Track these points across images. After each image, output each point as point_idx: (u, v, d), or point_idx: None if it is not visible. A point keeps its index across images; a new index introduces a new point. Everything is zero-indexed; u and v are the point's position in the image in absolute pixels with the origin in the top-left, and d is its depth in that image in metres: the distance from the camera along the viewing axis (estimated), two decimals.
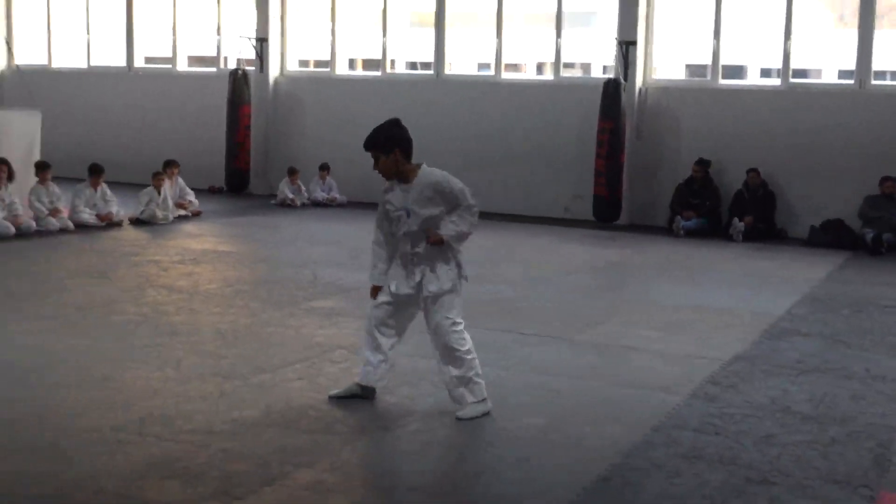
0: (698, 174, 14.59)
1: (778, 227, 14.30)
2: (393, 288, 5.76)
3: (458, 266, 5.79)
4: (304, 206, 15.98)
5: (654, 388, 6.39)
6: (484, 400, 5.69)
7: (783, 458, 5.16)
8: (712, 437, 5.44)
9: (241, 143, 17.55)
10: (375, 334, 5.82)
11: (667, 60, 16.24)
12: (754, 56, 16.81)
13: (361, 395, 5.84)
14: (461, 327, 5.75)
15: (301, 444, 5.15)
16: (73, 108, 18.86)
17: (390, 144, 5.73)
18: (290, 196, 15.97)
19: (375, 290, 5.87)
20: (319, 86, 17.65)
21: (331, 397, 5.86)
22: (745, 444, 5.36)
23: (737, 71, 16.75)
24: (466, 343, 5.72)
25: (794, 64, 14.92)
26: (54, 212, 12.48)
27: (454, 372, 5.67)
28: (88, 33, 19.90)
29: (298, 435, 5.27)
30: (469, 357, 5.69)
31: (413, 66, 18.87)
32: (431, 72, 17.15)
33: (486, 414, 5.65)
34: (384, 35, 17.37)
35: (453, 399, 5.68)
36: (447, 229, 5.69)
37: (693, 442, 5.35)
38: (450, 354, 5.69)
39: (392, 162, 5.74)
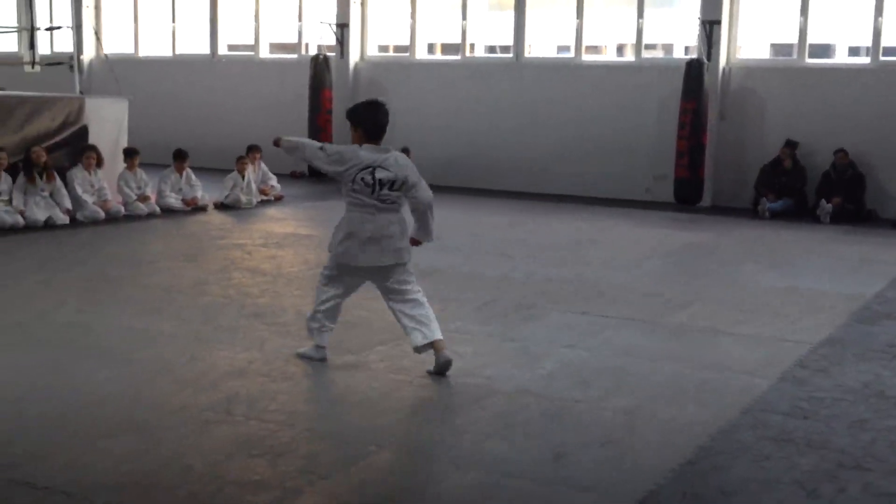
0: (785, 155, 14.28)
1: (867, 208, 13.93)
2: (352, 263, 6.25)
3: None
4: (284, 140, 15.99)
5: (741, 372, 6.27)
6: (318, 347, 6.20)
7: (877, 443, 5.03)
8: (801, 422, 5.32)
9: (323, 129, 17.69)
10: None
11: (751, 39, 15.88)
12: (843, 34, 16.33)
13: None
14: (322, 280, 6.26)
15: (384, 424, 5.17)
16: (158, 96, 19.21)
17: (355, 119, 6.00)
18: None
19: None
20: (399, 70, 17.70)
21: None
22: (836, 428, 5.23)
23: (824, 49, 16.28)
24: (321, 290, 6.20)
25: (885, 41, 14.49)
26: (143, 198, 12.73)
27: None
28: (174, 22, 20.24)
29: (381, 415, 5.30)
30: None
31: (492, 49, 18.77)
32: (511, 55, 17.07)
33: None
34: (464, 19, 17.33)
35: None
36: (419, 232, 6.28)
37: (782, 425, 5.25)
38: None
39: (355, 136, 6.01)
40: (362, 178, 5.87)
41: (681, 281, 9.37)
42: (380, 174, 5.85)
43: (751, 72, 15.15)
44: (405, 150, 16.67)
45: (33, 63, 15.79)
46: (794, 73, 14.91)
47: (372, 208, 5.93)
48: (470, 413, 5.40)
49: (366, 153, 5.89)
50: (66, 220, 11.65)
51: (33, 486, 4.23)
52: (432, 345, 5.98)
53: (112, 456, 4.61)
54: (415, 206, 6.05)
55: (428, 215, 6.06)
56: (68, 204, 11.79)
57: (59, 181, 11.79)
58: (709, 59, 14.80)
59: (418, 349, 6.02)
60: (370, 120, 5.93)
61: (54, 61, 15.97)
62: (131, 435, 4.88)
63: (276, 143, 6.33)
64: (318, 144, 6.18)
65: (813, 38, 15.09)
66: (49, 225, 11.46)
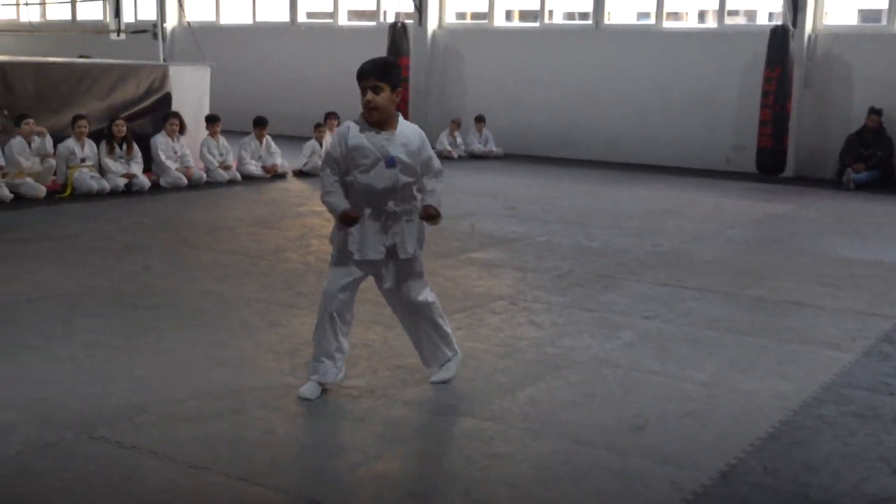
0: (873, 124, 13.94)
1: None
2: (357, 256, 5.05)
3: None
4: (461, 158, 16.05)
5: (824, 345, 6.17)
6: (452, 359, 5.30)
7: None
8: (887, 398, 5.23)
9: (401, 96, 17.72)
10: (337, 323, 5.10)
11: (838, 5, 15.48)
12: None
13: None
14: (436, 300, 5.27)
15: (461, 392, 5.20)
16: (239, 63, 19.43)
17: (399, 80, 5.02)
18: (449, 148, 16.06)
19: (353, 217, 4.98)
20: (477, 38, 17.63)
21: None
22: None
23: None
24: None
25: None
26: (224, 166, 12.92)
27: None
28: None
29: (459, 383, 5.33)
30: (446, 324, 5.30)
31: (571, 16, 18.58)
32: (590, 21, 16.88)
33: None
34: None
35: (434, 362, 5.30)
36: (434, 199, 5.06)
37: (867, 401, 5.16)
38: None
39: (391, 100, 4.94)
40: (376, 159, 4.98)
41: (762, 252, 9.23)
42: (375, 149, 5.01)
43: (838, 38, 14.77)
44: (480, 118, 16.70)
45: (118, 31, 16.10)
46: (883, 39, 14.50)
47: (390, 191, 5.09)
48: (547, 382, 5.41)
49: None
50: (147, 184, 11.89)
51: (122, 444, 4.36)
52: None
53: (198, 418, 4.72)
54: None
55: (436, 184, 5.23)
56: (139, 171, 11.98)
57: (138, 153, 12.00)
58: (794, 26, 14.46)
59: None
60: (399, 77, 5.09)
61: (138, 29, 16.24)
62: (216, 398, 4.98)
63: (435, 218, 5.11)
64: (435, 175, 5.16)
65: None
66: (133, 190, 11.71)
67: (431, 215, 5.03)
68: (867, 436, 4.69)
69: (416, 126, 5.17)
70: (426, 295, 5.23)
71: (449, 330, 5.37)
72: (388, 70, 4.99)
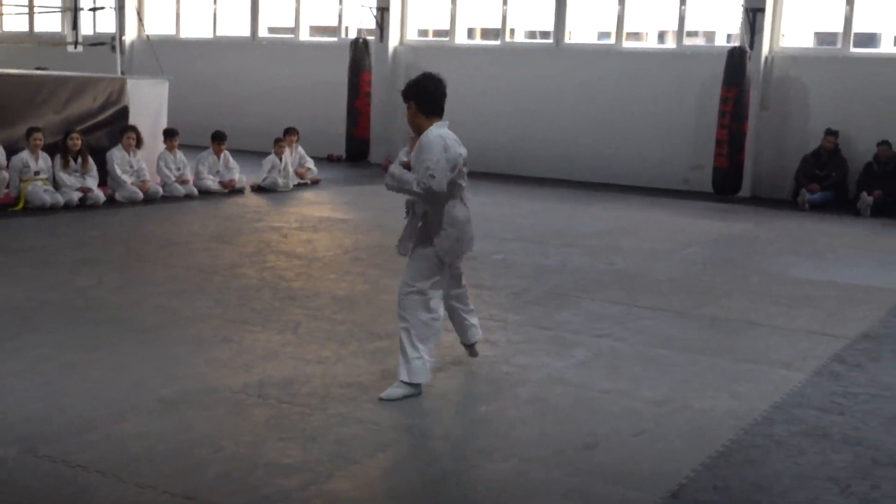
0: (829, 145, 14.12)
1: None
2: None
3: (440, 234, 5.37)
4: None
5: (776, 364, 6.22)
6: (415, 385, 5.28)
7: None
8: (837, 417, 5.27)
9: (361, 112, 17.71)
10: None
11: (795, 28, 15.69)
12: (888, 23, 16.08)
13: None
14: (415, 294, 5.35)
15: (414, 410, 5.18)
16: (198, 77, 19.32)
17: (414, 95, 5.40)
18: None
19: None
20: (439, 55, 17.65)
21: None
22: (872, 425, 5.17)
23: (869, 39, 16.03)
24: (415, 313, 5.32)
25: None
26: (181, 179, 12.82)
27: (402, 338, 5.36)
28: (215, 4, 20.35)
29: (412, 401, 5.30)
30: (412, 330, 5.30)
31: (532, 35, 18.67)
32: (551, 41, 16.98)
33: (412, 395, 5.27)
34: (504, 3, 17.27)
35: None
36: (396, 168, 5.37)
37: (817, 420, 5.19)
38: (400, 319, 5.38)
39: (414, 114, 5.39)
40: (464, 162, 5.42)
41: (717, 272, 9.30)
42: (463, 153, 5.44)
43: (794, 61, 14.97)
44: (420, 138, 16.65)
45: (76, 43, 15.94)
46: (838, 62, 14.71)
47: (465, 191, 5.48)
48: (501, 400, 5.40)
49: (448, 134, 5.39)
50: (102, 198, 11.76)
51: (68, 463, 4.28)
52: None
53: (147, 435, 4.66)
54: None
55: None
56: (94, 185, 11.85)
57: (93, 167, 11.87)
58: (751, 48, 14.64)
59: (471, 346, 5.91)
60: (441, 92, 5.46)
61: (96, 42, 16.10)
62: (165, 415, 4.92)
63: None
64: (417, 178, 5.27)
65: (858, 27, 14.89)
66: (88, 205, 11.57)
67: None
68: (817, 455, 4.73)
69: (434, 134, 5.33)
70: (400, 304, 5.39)
71: (413, 354, 5.29)
72: (408, 89, 5.45)
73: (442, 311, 5.50)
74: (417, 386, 5.33)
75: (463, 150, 5.45)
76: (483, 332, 6.22)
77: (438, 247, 5.37)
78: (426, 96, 5.39)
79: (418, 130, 5.36)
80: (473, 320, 5.88)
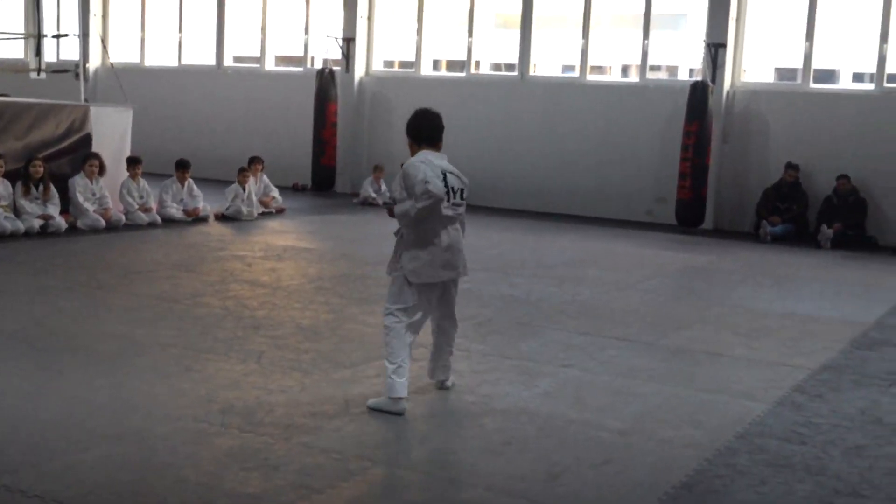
0: (790, 178, 14.31)
1: (868, 234, 13.92)
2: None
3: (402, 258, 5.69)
4: (385, 204, 16.05)
5: (738, 395, 6.25)
6: (396, 399, 5.52)
7: (874, 470, 5.01)
8: (798, 447, 5.30)
9: (328, 142, 17.72)
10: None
11: (756, 63, 15.92)
12: (847, 59, 16.38)
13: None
14: (391, 317, 5.65)
15: (379, 440, 5.15)
16: (163, 105, 19.27)
17: (409, 130, 5.82)
18: (373, 195, 16.06)
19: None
20: (404, 86, 17.73)
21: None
22: (833, 454, 5.21)
23: (828, 75, 16.31)
24: (391, 334, 5.62)
25: (890, 68, 14.52)
26: (144, 207, 12.74)
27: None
28: (180, 32, 20.32)
29: (377, 431, 5.27)
30: (387, 348, 5.63)
31: (497, 67, 18.80)
32: (516, 73, 17.10)
33: (396, 413, 5.49)
34: (470, 36, 17.39)
35: None
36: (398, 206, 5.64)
37: (778, 450, 5.22)
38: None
39: (410, 146, 5.81)
40: (460, 192, 5.70)
41: (680, 303, 9.36)
42: (451, 180, 5.64)
43: (755, 95, 15.18)
44: (402, 166, 16.73)
45: (39, 70, 15.84)
46: (798, 97, 14.94)
47: (444, 218, 5.64)
48: (466, 430, 5.38)
49: (430, 158, 5.63)
50: (64, 225, 11.65)
51: (25, 493, 4.21)
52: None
53: (106, 465, 4.59)
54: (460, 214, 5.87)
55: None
56: (55, 212, 11.74)
57: (55, 194, 11.77)
58: (713, 82, 14.83)
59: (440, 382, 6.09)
60: (429, 125, 5.73)
61: (60, 69, 16.03)
62: (126, 444, 4.86)
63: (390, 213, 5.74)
64: (411, 204, 5.55)
65: (818, 64, 15.13)
66: (49, 232, 11.46)
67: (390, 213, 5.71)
68: (779, 485, 4.75)
69: (414, 159, 5.65)
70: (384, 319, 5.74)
71: (389, 370, 5.58)
72: (408, 125, 5.81)
73: (411, 337, 5.71)
74: (397, 402, 5.52)
75: (456, 182, 5.68)
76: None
77: (404, 267, 5.63)
78: (412, 129, 5.77)
79: None
80: (448, 363, 6.04)
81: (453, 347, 6.09)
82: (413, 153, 5.72)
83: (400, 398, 5.53)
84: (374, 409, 5.54)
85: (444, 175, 5.60)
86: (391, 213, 5.69)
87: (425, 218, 5.54)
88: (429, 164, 5.57)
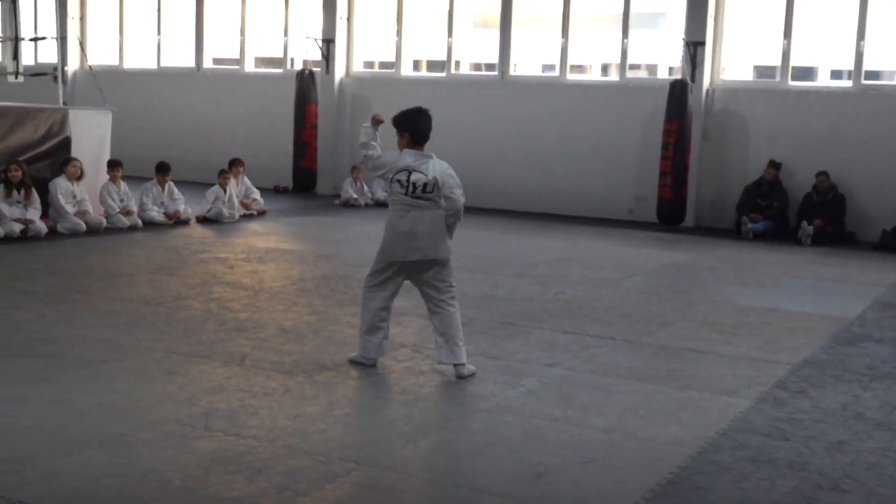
0: (770, 176, 14.38)
1: (848, 230, 14.00)
2: None
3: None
4: (367, 205, 16.05)
5: (721, 392, 6.28)
6: (366, 358, 6.49)
7: (856, 465, 5.04)
8: (781, 443, 5.33)
9: (308, 143, 17.68)
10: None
11: (735, 61, 15.99)
12: (825, 57, 16.47)
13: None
14: (365, 286, 6.55)
15: (363, 441, 5.15)
16: (142, 108, 19.17)
17: (404, 126, 6.42)
18: (354, 196, 16.04)
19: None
20: (385, 86, 17.71)
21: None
22: (815, 450, 5.24)
23: (807, 72, 16.39)
24: (362, 299, 6.54)
25: (867, 65, 14.61)
26: (125, 211, 12.68)
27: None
28: (159, 35, 20.23)
29: (360, 432, 5.27)
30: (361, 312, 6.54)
31: (478, 67, 18.81)
32: (496, 73, 17.12)
33: (368, 364, 6.45)
34: (449, 36, 17.38)
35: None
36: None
37: (761, 446, 5.25)
38: None
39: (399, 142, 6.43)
40: (398, 180, 6.32)
41: (662, 300, 9.39)
42: (414, 177, 6.28)
43: (734, 93, 15.24)
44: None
45: (17, 73, 15.71)
46: (776, 95, 15.01)
47: (407, 206, 6.32)
48: (450, 430, 5.39)
49: (406, 157, 6.35)
50: (44, 229, 11.59)
51: (8, 499, 4.19)
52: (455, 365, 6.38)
53: (89, 469, 4.57)
54: (446, 209, 6.40)
55: (453, 219, 6.43)
56: (36, 217, 11.68)
57: (37, 198, 11.71)
58: (692, 80, 14.88)
59: (442, 363, 6.43)
60: (416, 127, 6.42)
61: (38, 72, 15.90)
62: (108, 448, 4.84)
63: (377, 119, 6.59)
64: (367, 153, 6.52)
65: (796, 61, 15.21)
66: (29, 236, 11.39)
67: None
68: (762, 480, 4.77)
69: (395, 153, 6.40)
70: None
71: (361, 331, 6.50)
72: (405, 121, 6.47)
73: (378, 302, 6.48)
74: (367, 358, 6.47)
75: (424, 176, 6.36)
76: (431, 361, 6.22)
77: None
78: (412, 127, 6.48)
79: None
80: (441, 341, 6.38)
81: (455, 333, 6.35)
82: (401, 147, 6.38)
83: (369, 357, 6.44)
84: (352, 362, 6.51)
85: (409, 173, 6.31)
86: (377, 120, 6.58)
87: (392, 203, 6.40)
88: (401, 159, 6.36)
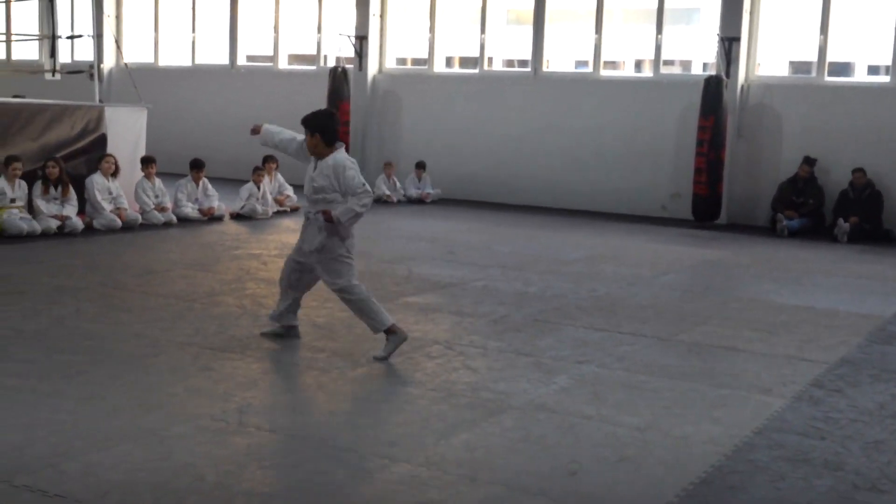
0: (805, 173, 14.25)
1: (885, 228, 13.85)
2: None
3: (343, 240, 6.67)
4: (399, 202, 16.07)
5: (756, 390, 6.23)
6: (393, 333, 6.61)
7: (893, 465, 4.98)
8: (817, 442, 5.28)
9: (341, 140, 17.69)
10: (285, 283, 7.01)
11: (770, 57, 15.86)
12: (862, 52, 16.31)
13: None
14: (358, 288, 6.67)
15: (397, 438, 5.16)
16: (177, 105, 19.30)
17: (313, 128, 6.72)
18: (387, 192, 16.07)
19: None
20: (417, 83, 17.73)
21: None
22: (852, 449, 5.19)
23: (843, 68, 16.25)
24: (365, 300, 6.64)
25: None
26: (160, 207, 12.78)
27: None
28: (193, 32, 20.36)
29: (394, 429, 5.28)
30: (370, 309, 6.66)
31: (510, 63, 18.80)
32: (528, 69, 17.08)
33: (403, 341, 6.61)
34: (482, 33, 17.36)
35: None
36: (338, 209, 6.50)
37: (797, 445, 5.20)
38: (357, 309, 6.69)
39: (312, 143, 6.72)
40: (308, 177, 6.76)
41: (697, 298, 9.33)
42: (311, 172, 6.73)
43: (769, 89, 15.11)
44: (421, 165, 16.76)
45: (54, 71, 15.91)
46: (812, 90, 14.86)
47: (310, 202, 6.79)
48: (483, 427, 5.38)
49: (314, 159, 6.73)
50: (80, 226, 11.70)
51: (45, 493, 4.23)
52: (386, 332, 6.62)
53: (125, 463, 4.61)
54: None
55: (352, 202, 6.52)
56: (73, 213, 11.79)
57: (73, 195, 11.83)
58: (727, 76, 14.77)
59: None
60: (330, 127, 6.78)
61: (74, 70, 16.07)
62: (144, 443, 4.88)
63: (330, 219, 6.57)
64: (293, 136, 7.06)
65: (832, 57, 15.05)
66: (66, 232, 11.51)
67: (327, 218, 6.50)
68: (798, 480, 4.73)
69: (344, 158, 6.72)
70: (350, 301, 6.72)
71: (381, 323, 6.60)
72: (317, 124, 6.78)
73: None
74: (396, 335, 6.60)
75: None
76: (464, 358, 6.21)
77: (349, 250, 6.79)
78: (327, 130, 6.76)
79: (316, 153, 6.74)
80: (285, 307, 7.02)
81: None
82: (320, 150, 6.70)
83: (391, 329, 6.57)
84: (385, 357, 6.48)
85: (313, 173, 6.71)
86: (329, 219, 6.50)
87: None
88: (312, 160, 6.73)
